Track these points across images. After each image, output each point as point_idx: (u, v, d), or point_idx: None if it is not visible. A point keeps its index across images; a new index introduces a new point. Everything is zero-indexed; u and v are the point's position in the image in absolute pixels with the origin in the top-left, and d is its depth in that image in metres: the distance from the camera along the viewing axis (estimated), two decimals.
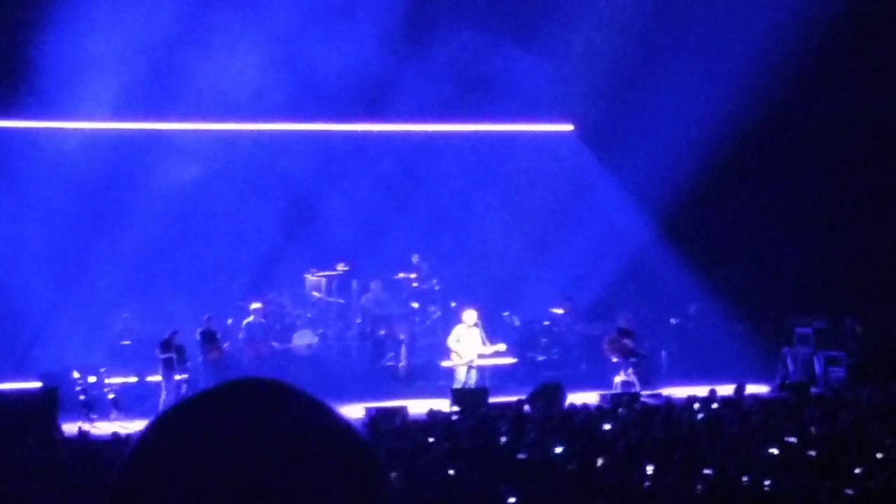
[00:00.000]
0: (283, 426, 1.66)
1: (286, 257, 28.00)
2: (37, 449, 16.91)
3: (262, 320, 26.36)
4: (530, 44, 27.70)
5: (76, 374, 23.53)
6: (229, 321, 26.42)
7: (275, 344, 26.40)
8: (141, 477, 1.65)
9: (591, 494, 12.95)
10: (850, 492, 12.72)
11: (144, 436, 1.70)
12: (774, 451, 15.15)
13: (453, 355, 24.59)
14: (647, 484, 13.49)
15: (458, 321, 25.10)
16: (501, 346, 24.77)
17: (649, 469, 13.94)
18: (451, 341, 24.64)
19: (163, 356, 23.76)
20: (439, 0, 27.21)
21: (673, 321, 28.81)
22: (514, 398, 21.85)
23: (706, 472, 13.71)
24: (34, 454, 16.28)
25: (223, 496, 1.60)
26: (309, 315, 27.76)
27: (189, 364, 24.08)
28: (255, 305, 26.37)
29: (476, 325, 24.57)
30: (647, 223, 29.38)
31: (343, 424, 1.72)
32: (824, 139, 28.42)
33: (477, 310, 24.86)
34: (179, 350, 23.97)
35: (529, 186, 29.44)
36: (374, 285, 28.09)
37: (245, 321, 26.24)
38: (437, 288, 28.44)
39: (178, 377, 23.76)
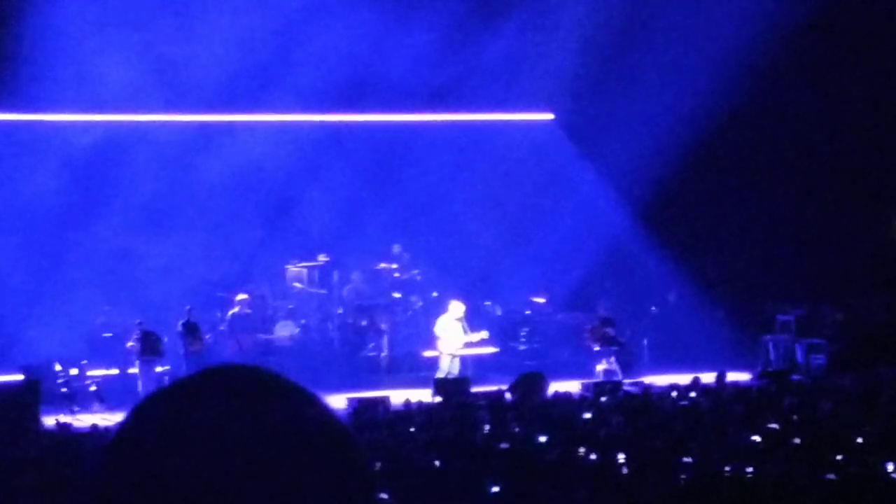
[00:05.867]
0: (263, 416, 1.63)
1: (266, 249, 27.98)
2: (19, 441, 16.88)
3: (248, 311, 26.34)
4: (510, 33, 27.69)
5: (58, 367, 23.50)
6: (219, 314, 26.34)
7: (261, 336, 26.38)
8: (119, 468, 1.63)
9: (573, 483, 12.98)
10: (831, 477, 12.77)
11: (124, 425, 1.67)
12: (756, 438, 15.21)
13: (440, 343, 24.57)
14: (628, 472, 13.53)
15: (440, 311, 25.11)
16: (485, 334, 24.81)
17: (631, 457, 13.98)
18: (439, 330, 24.62)
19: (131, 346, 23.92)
20: None
21: (654, 309, 28.87)
22: (495, 388, 21.88)
23: (687, 459, 13.76)
24: (16, 447, 16.25)
25: (201, 487, 1.57)
26: (290, 306, 27.74)
27: (164, 352, 24.10)
28: (241, 297, 26.34)
29: (460, 317, 24.62)
30: (626, 212, 29.42)
31: (327, 415, 1.69)
32: (804, 128, 28.46)
33: (463, 302, 24.88)
34: (147, 339, 23.98)
35: (509, 176, 29.43)
36: (355, 276, 28.09)
37: (230, 312, 26.21)
38: (418, 278, 28.44)
39: (159, 369, 23.76)
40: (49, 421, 20.26)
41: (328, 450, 1.65)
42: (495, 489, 12.79)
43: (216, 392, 1.67)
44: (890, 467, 13.23)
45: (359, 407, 19.74)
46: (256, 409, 1.64)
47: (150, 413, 1.67)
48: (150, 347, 24.02)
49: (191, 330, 24.69)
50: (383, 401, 20.44)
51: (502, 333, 27.30)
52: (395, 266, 28.34)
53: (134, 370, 23.94)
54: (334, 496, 1.63)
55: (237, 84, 26.57)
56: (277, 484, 1.59)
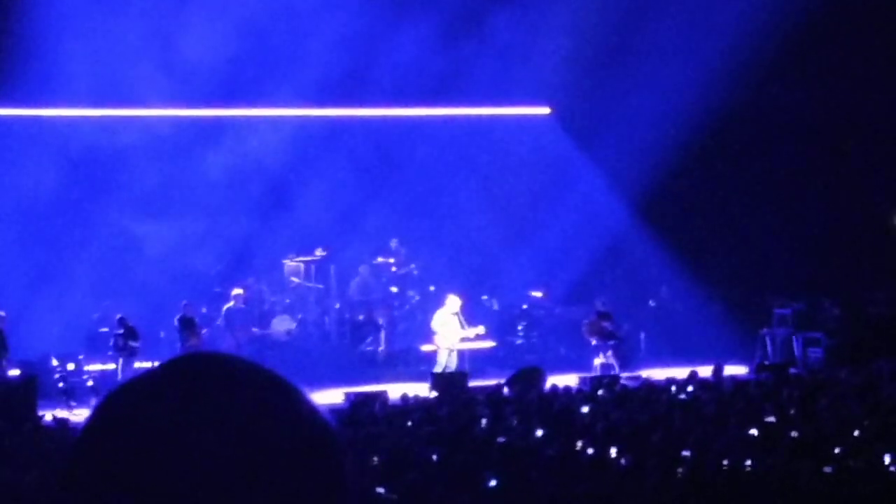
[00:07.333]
0: (235, 408, 1.58)
1: (264, 243, 27.94)
2: (16, 436, 16.86)
3: (243, 306, 26.28)
4: (506, 27, 27.68)
5: (55, 362, 23.46)
6: (203, 310, 26.28)
7: (254, 329, 26.34)
8: (86, 461, 1.59)
9: (571, 477, 12.97)
10: (828, 470, 12.77)
11: (93, 417, 1.63)
12: (754, 431, 15.20)
13: (438, 337, 24.56)
14: (626, 466, 13.51)
15: (438, 306, 25.10)
16: (481, 329, 24.80)
17: (629, 451, 13.96)
18: (436, 324, 24.61)
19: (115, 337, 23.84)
20: None
21: (651, 303, 28.86)
22: (493, 382, 21.87)
23: (685, 453, 13.74)
24: (13, 441, 16.23)
25: (170, 482, 1.54)
26: (287, 300, 27.70)
27: (138, 345, 23.95)
28: (237, 291, 26.27)
29: (457, 312, 24.62)
30: (624, 206, 29.40)
31: (304, 408, 1.63)
32: (802, 122, 28.46)
33: (460, 296, 24.87)
34: (125, 332, 23.91)
35: (507, 170, 29.43)
36: (363, 270, 28.04)
37: (225, 307, 26.15)
38: (415, 273, 28.42)
39: (137, 364, 23.55)
40: (46, 416, 20.24)
41: (297, 444, 1.60)
42: (493, 483, 12.77)
43: (180, 385, 1.62)
44: (887, 460, 13.23)
45: (356, 401, 19.72)
46: (221, 402, 1.59)
47: (112, 409, 1.63)
48: (121, 343, 23.92)
49: (187, 325, 24.61)
50: (381, 395, 20.42)
51: (500, 328, 27.29)
52: (392, 260, 28.33)
53: (136, 364, 23.86)
54: (302, 492, 1.58)
55: (235, 78, 26.53)
56: (243, 479, 1.55)
